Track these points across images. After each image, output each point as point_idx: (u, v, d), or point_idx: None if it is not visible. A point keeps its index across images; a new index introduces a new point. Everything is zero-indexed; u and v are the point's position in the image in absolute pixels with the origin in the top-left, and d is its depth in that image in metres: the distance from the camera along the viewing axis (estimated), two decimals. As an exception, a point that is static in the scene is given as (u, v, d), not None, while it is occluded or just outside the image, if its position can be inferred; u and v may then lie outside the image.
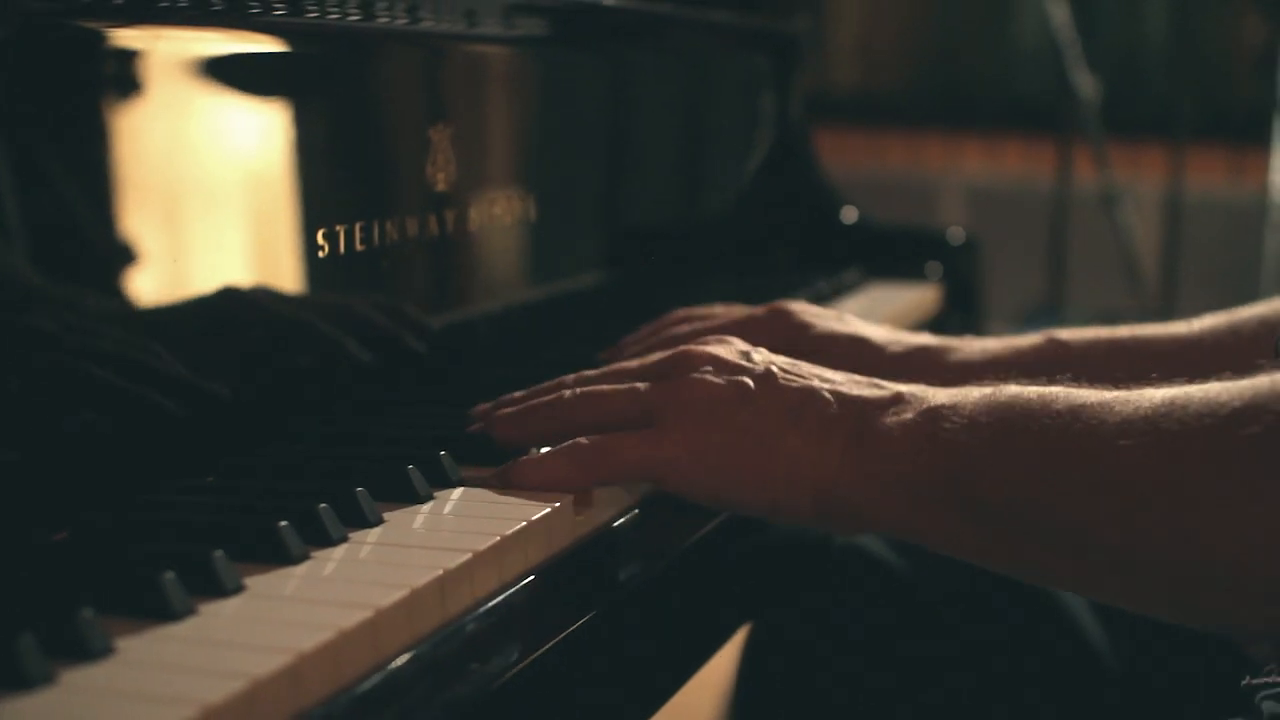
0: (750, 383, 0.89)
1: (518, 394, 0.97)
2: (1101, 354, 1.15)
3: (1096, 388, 0.81)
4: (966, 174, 5.15)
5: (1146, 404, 0.77)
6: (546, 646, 0.81)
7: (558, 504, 0.84)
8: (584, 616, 0.85)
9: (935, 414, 0.84)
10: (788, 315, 1.16)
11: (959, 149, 5.20)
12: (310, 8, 1.01)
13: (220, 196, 0.92)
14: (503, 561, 0.78)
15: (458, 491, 0.88)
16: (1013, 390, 0.83)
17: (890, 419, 0.85)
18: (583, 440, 0.89)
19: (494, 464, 0.91)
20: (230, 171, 0.93)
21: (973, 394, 0.84)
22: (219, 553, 0.70)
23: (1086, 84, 3.49)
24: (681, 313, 1.20)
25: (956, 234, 1.75)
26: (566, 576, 0.84)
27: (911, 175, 5.20)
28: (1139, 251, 3.84)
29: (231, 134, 0.93)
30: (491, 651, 0.75)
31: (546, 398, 0.94)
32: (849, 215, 1.78)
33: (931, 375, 1.06)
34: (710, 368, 0.91)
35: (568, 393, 0.94)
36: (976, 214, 5.11)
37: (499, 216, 1.20)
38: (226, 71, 0.92)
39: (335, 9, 1.03)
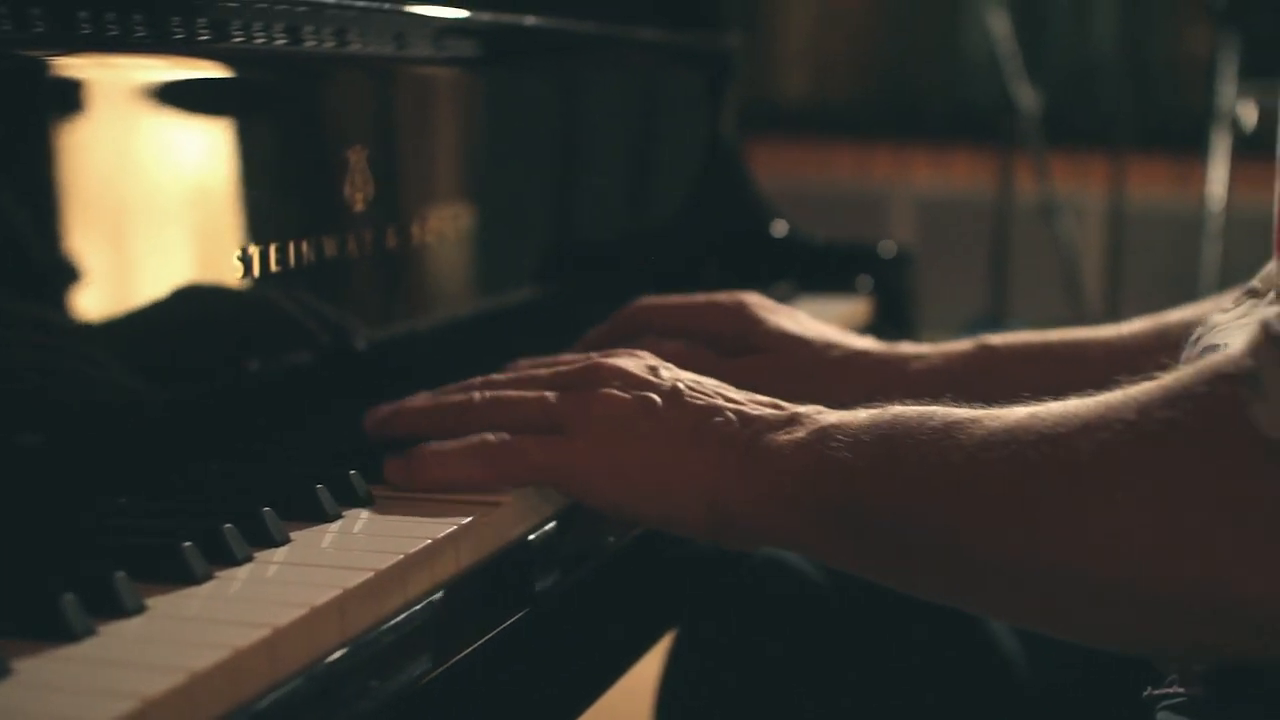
0: (656, 399, 0.92)
1: (422, 395, 0.99)
2: (1030, 358, 1.18)
3: (978, 405, 0.83)
4: (915, 185, 5.19)
5: (1012, 418, 0.80)
6: (455, 660, 0.82)
7: (466, 520, 0.86)
8: (496, 629, 0.86)
9: (824, 433, 0.87)
10: (743, 308, 1.20)
11: (908, 160, 5.25)
12: (235, 33, 1.02)
13: (134, 219, 0.93)
14: (406, 579, 0.79)
15: (368, 509, 0.89)
16: (896, 410, 0.86)
17: (783, 438, 0.88)
18: (489, 437, 0.92)
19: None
20: (144, 195, 0.94)
21: (861, 414, 0.87)
22: (120, 573, 0.71)
23: (1027, 96, 3.53)
24: (646, 301, 1.23)
25: (888, 247, 1.77)
26: (477, 591, 0.85)
27: (861, 187, 5.24)
28: (1081, 262, 3.88)
29: (147, 157, 0.94)
30: (395, 668, 0.76)
31: (454, 397, 0.97)
32: (780, 229, 1.79)
33: (869, 379, 1.12)
34: (618, 382, 0.93)
35: (476, 395, 0.96)
36: (925, 225, 5.15)
37: (422, 236, 1.21)
38: (145, 95, 0.93)
39: (261, 34, 1.04)
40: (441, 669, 0.80)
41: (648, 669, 1.20)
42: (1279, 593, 0.70)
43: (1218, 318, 1.01)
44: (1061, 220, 3.63)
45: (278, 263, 1.04)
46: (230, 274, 0.99)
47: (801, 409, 0.91)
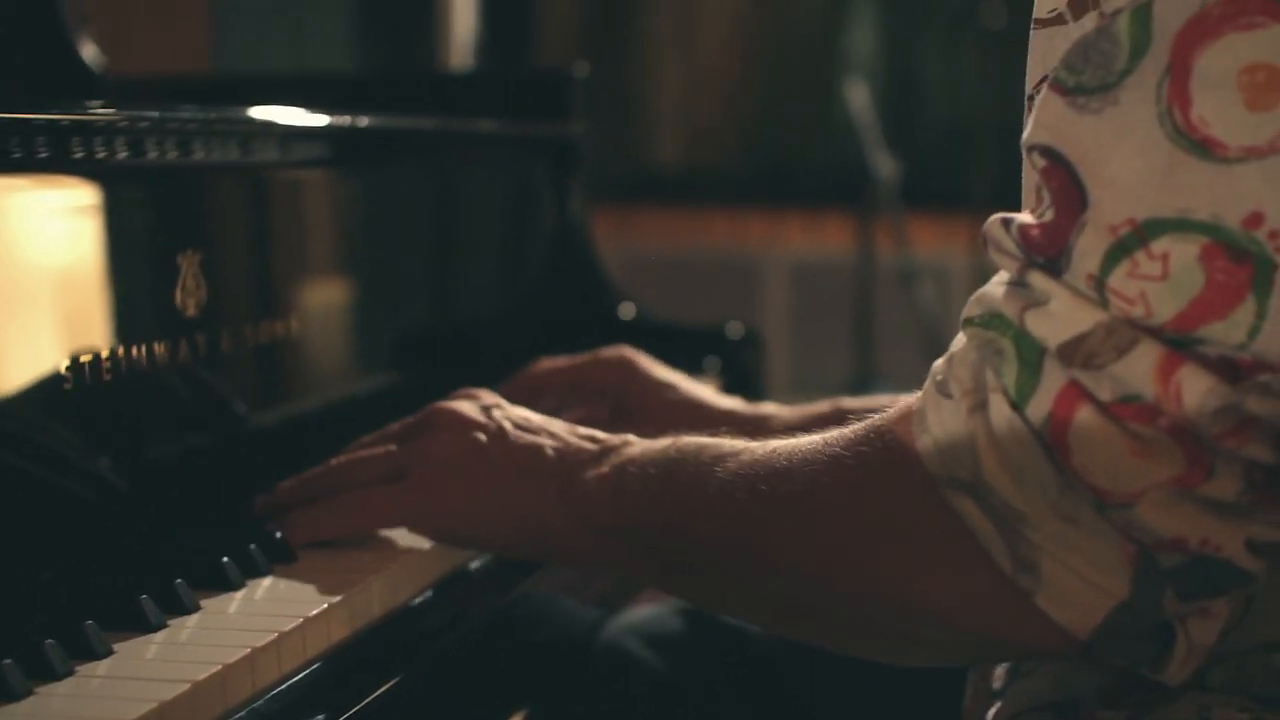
0: (484, 438, 1.04)
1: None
2: None
3: (756, 438, 0.94)
4: (788, 250, 5.27)
5: (761, 451, 0.90)
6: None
7: (336, 598, 0.94)
8: (360, 702, 0.90)
9: (624, 465, 0.98)
10: (626, 364, 1.36)
11: (781, 225, 5.32)
12: (76, 149, 1.03)
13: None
14: (281, 653, 0.87)
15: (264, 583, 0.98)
16: (683, 441, 0.97)
17: (592, 471, 0.99)
18: (343, 495, 1.06)
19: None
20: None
21: (659, 444, 0.98)
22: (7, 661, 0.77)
23: (886, 165, 3.61)
24: (541, 364, 1.39)
25: (735, 328, 1.81)
26: (340, 666, 0.92)
27: (734, 251, 5.31)
28: (946, 323, 3.95)
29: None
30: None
31: (317, 468, 1.11)
32: (627, 312, 1.83)
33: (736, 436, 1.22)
34: (454, 424, 1.06)
35: (334, 461, 1.10)
36: (798, 289, 5.23)
37: (255, 337, 1.23)
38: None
39: (103, 149, 1.06)
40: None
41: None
42: (955, 598, 0.80)
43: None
44: (921, 286, 3.70)
45: (109, 370, 1.05)
46: (58, 383, 1.01)
47: (614, 441, 1.02)
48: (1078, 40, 0.76)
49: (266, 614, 0.92)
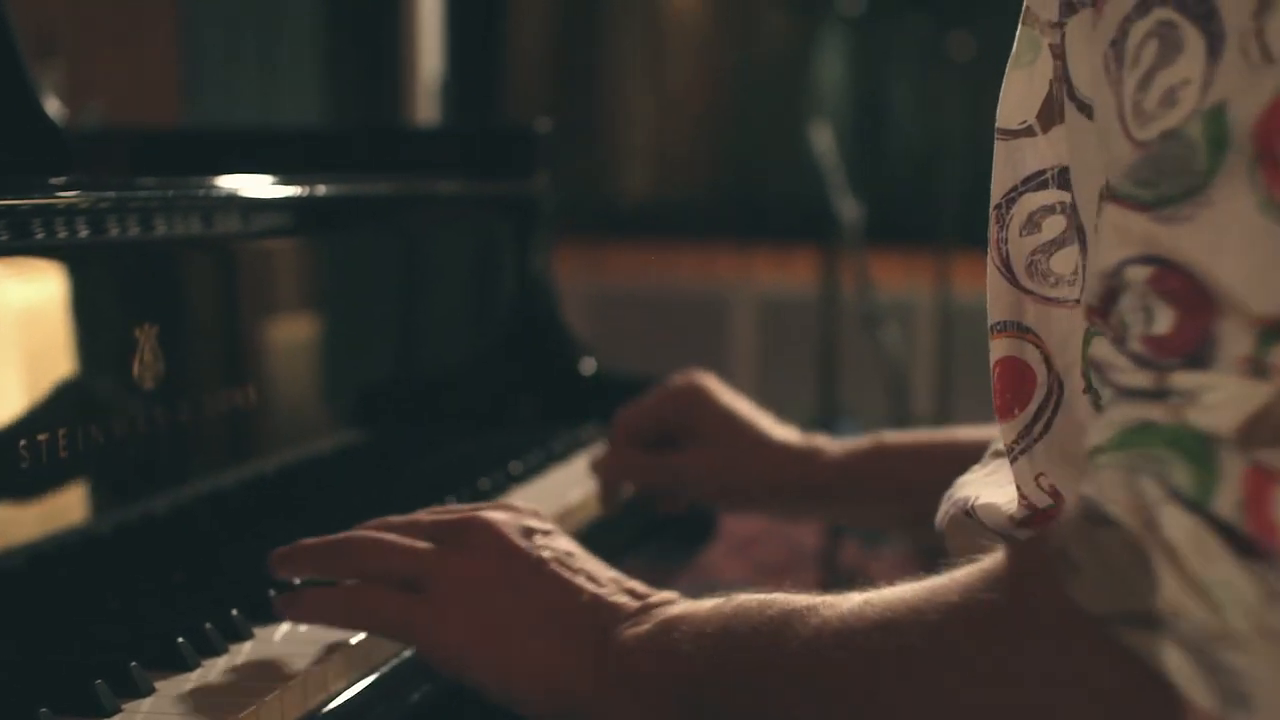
0: (518, 568, 0.95)
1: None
2: (915, 455, 1.34)
3: (816, 593, 0.86)
4: (757, 285, 5.29)
5: (845, 606, 0.82)
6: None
7: (274, 691, 0.93)
8: None
9: (669, 625, 0.90)
10: (697, 392, 1.41)
11: (749, 259, 5.35)
12: (36, 230, 1.04)
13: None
14: None
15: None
16: (739, 600, 0.89)
17: (631, 631, 0.91)
18: (355, 585, 0.98)
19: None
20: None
21: (706, 605, 0.91)
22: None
23: (850, 208, 3.63)
24: (622, 413, 1.45)
25: (693, 385, 1.82)
26: None
27: (702, 286, 5.33)
28: (911, 360, 3.98)
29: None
30: None
31: (338, 536, 1.03)
32: (588, 367, 1.84)
33: (787, 470, 1.36)
34: (489, 544, 0.97)
35: (358, 536, 1.02)
36: (766, 324, 5.26)
37: (214, 407, 1.24)
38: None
39: (64, 229, 1.07)
40: None
41: None
42: None
43: (967, 477, 1.08)
44: (884, 329, 3.73)
45: (65, 448, 1.06)
46: (14, 463, 1.01)
47: (654, 598, 0.94)
48: (1141, 158, 0.72)
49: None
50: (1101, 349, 0.75)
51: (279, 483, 1.36)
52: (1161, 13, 0.72)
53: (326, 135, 2.31)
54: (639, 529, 1.63)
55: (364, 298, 1.56)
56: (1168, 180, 0.71)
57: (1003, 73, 0.93)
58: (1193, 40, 0.71)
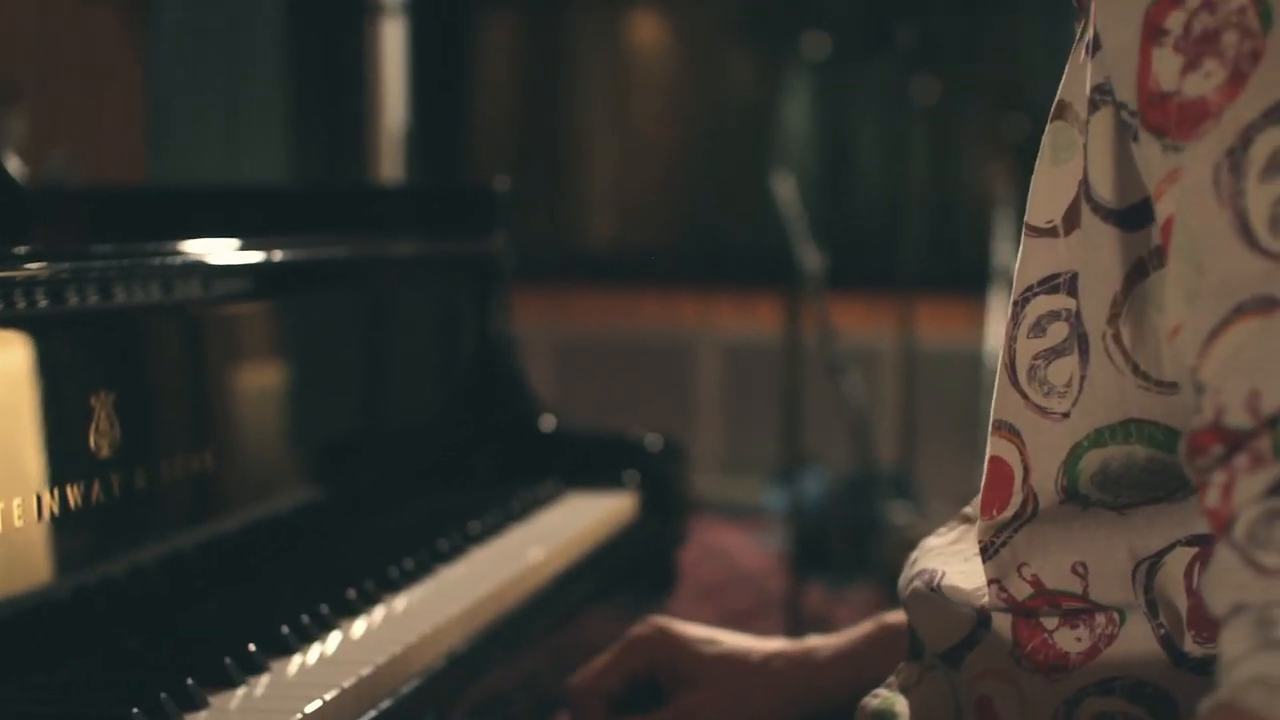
0: None
1: None
2: None
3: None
4: (721, 330, 5.31)
5: None
6: None
7: None
8: None
9: None
10: (666, 636, 1.24)
11: (713, 305, 5.37)
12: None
13: None
14: None
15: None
16: None
17: None
18: None
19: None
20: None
21: None
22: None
23: (812, 258, 3.66)
24: (580, 679, 1.25)
25: (654, 441, 1.84)
26: None
27: (667, 332, 5.35)
28: (875, 409, 4.00)
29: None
30: None
31: None
32: (548, 424, 1.85)
33: (787, 678, 1.21)
34: None
35: None
36: (730, 370, 5.28)
37: (171, 473, 1.25)
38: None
39: (23, 300, 1.08)
40: None
41: None
42: None
43: (932, 542, 1.08)
44: (847, 378, 3.74)
45: (20, 517, 1.06)
46: (-29, 534, 1.02)
47: None
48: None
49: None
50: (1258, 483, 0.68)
51: (237, 544, 1.36)
52: None
53: (290, 194, 2.32)
54: (602, 582, 1.64)
55: (324, 358, 1.57)
56: None
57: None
58: None
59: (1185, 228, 0.74)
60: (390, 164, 3.27)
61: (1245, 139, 0.71)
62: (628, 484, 1.79)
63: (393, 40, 3.41)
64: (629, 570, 1.74)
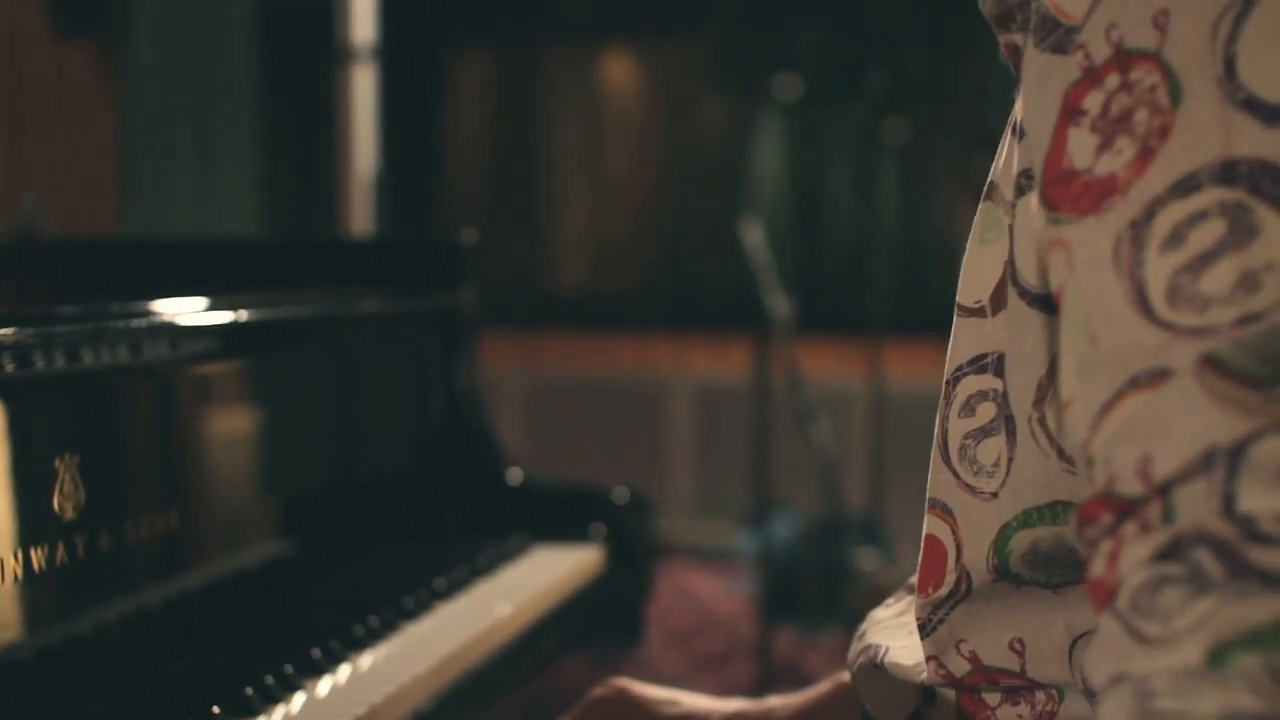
0: None
1: None
2: None
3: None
4: (693, 373, 5.32)
5: None
6: None
7: None
8: None
9: None
10: (625, 695, 1.22)
11: (686, 348, 5.38)
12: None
13: None
14: None
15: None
16: None
17: None
18: None
19: None
20: None
21: None
22: None
23: (781, 305, 3.67)
24: None
25: (621, 493, 1.85)
26: None
27: (640, 375, 5.36)
28: (844, 451, 4.00)
29: None
30: None
31: None
32: (515, 477, 1.86)
33: None
34: None
35: None
36: (703, 412, 5.28)
37: (136, 533, 1.25)
38: None
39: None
40: None
41: None
42: None
43: (879, 614, 1.09)
44: (815, 425, 3.76)
45: (-14, 581, 1.07)
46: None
47: None
48: (1263, 334, 0.68)
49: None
50: (1216, 524, 0.66)
51: (203, 603, 1.37)
52: (1223, 194, 0.69)
53: (260, 247, 2.33)
54: (569, 636, 1.65)
55: (291, 415, 1.57)
56: None
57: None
58: (1273, 223, 0.68)
59: (1080, 299, 0.74)
60: (361, 210, 3.28)
61: (1150, 211, 0.71)
62: (594, 537, 1.80)
63: (363, 86, 3.43)
64: (596, 623, 1.75)
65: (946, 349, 0.94)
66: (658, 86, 5.81)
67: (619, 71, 5.86)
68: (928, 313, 5.06)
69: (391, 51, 5.12)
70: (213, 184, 4.13)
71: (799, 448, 3.99)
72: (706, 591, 4.77)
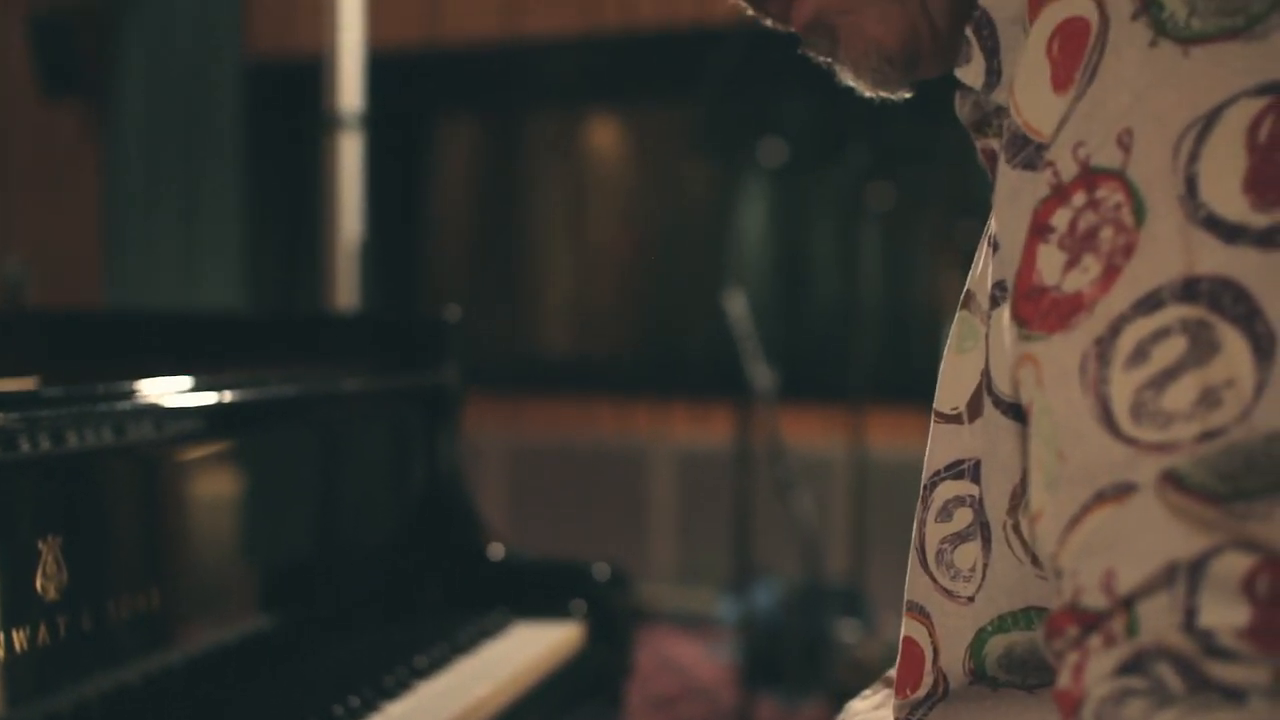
0: None
1: None
2: None
3: None
4: (675, 439, 5.32)
5: None
6: None
7: None
8: None
9: None
10: None
11: (668, 414, 5.38)
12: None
13: None
14: None
15: None
16: None
17: None
18: None
19: None
20: None
21: None
22: None
23: (763, 375, 3.68)
24: None
25: (602, 570, 1.85)
26: None
27: (621, 441, 5.36)
28: (826, 519, 4.00)
29: None
30: None
31: None
32: (496, 552, 1.87)
33: None
34: None
35: None
36: (684, 478, 5.28)
37: (118, 613, 1.25)
38: None
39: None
40: None
41: None
42: None
43: (857, 705, 1.10)
44: (796, 494, 3.76)
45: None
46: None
47: None
48: (1222, 451, 0.69)
49: None
50: (1177, 640, 0.68)
51: (183, 682, 1.37)
52: (1185, 311, 0.70)
53: (244, 322, 2.34)
54: (551, 711, 1.65)
55: (273, 493, 1.58)
56: (1254, 475, 0.68)
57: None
58: (1232, 340, 0.69)
59: (1048, 415, 0.75)
60: (346, 276, 3.29)
61: (1114, 329, 0.72)
62: (575, 614, 1.80)
63: (350, 154, 3.44)
64: (576, 699, 1.75)
65: (928, 416, 0.95)
66: (643, 152, 5.84)
67: (604, 137, 5.90)
68: (910, 380, 5.09)
69: (378, 118, 5.15)
70: (198, 244, 4.14)
71: (780, 514, 3.99)
72: (688, 658, 4.75)
